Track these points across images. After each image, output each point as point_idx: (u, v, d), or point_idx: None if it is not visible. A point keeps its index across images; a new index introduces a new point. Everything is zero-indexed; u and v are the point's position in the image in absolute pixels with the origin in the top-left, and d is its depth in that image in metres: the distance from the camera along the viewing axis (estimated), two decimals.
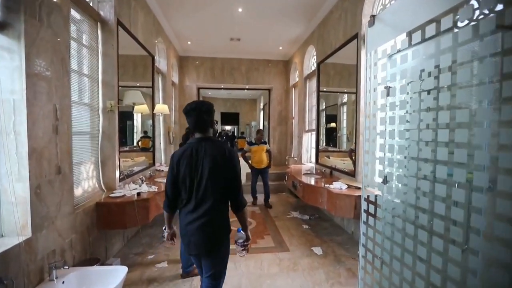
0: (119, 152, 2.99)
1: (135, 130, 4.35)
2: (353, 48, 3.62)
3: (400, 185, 1.76)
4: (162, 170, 4.47)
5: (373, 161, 2.06)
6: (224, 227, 1.53)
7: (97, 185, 2.76)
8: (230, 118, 14.42)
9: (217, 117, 12.64)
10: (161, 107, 4.24)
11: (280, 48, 6.19)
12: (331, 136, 4.88)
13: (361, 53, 3.24)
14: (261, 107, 12.41)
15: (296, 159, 6.25)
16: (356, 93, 3.33)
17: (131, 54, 3.86)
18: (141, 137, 4.43)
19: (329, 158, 4.74)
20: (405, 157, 1.62)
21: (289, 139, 7.08)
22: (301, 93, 5.86)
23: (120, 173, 3.10)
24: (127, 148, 4.04)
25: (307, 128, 5.73)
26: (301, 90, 5.85)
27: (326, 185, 3.20)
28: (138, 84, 4.18)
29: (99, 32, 2.78)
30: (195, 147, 1.48)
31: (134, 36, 3.38)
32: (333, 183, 3.23)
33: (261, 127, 11.97)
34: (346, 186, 3.11)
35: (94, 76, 2.74)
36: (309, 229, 3.68)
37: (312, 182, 3.55)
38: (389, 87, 1.96)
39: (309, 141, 5.79)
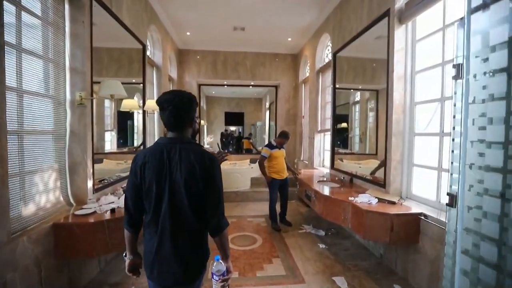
0: (94, 155, 2.42)
1: (135, 130, 3.89)
2: (375, 35, 3.07)
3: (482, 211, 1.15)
4: None
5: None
6: (204, 252, 1.22)
7: (62, 199, 2.19)
8: (235, 118, 13.83)
9: (220, 117, 12.09)
10: (152, 103, 3.67)
11: (289, 39, 5.57)
12: (342, 137, 4.28)
13: (393, 33, 2.60)
14: (267, 106, 11.80)
15: (307, 162, 5.62)
16: (388, 83, 2.69)
17: (125, 48, 3.40)
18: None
19: (342, 161, 4.14)
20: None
21: (298, 140, 6.44)
22: (313, 88, 5.23)
23: (101, 181, 2.57)
24: (126, 149, 3.66)
25: (319, 128, 5.09)
26: (313, 85, 5.22)
27: (350, 198, 2.57)
28: (134, 80, 3.70)
29: (66, 6, 2.22)
30: (167, 149, 1.13)
31: (116, 16, 2.81)
32: (359, 195, 2.59)
33: (267, 128, 11.37)
34: (377, 200, 2.47)
35: (59, 61, 2.18)
36: (326, 249, 3.04)
37: (332, 194, 2.91)
38: (459, 64, 1.33)
39: (321, 143, 5.15)
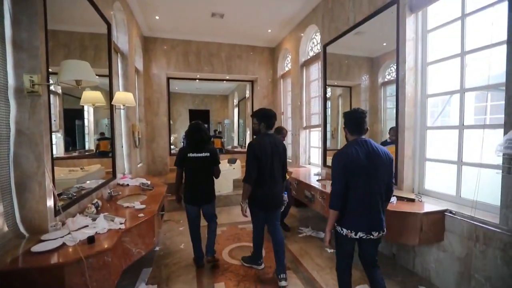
0: (53, 160, 1.76)
1: (86, 131, 3.12)
2: (364, 28, 3.08)
3: None
4: (128, 185, 3.22)
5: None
6: None
7: (6, 229, 1.51)
8: (200, 116, 13.07)
9: (185, 114, 11.37)
10: (123, 96, 3.00)
11: (269, 31, 5.26)
12: None
13: (404, 22, 2.47)
14: (236, 103, 11.36)
15: (290, 160, 5.41)
16: (398, 75, 2.56)
17: (75, 31, 2.68)
18: (99, 139, 3.21)
19: None
20: None
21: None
22: (296, 83, 5.02)
23: (59, 196, 1.88)
24: (76, 154, 2.94)
25: (304, 125, 4.90)
26: (296, 80, 5.01)
27: None
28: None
29: None
30: (269, 139, 2.26)
31: None
32: None
33: (236, 126, 10.95)
34: (395, 198, 2.32)
35: None
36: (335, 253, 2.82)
37: None
38: None
39: (307, 140, 4.98)
